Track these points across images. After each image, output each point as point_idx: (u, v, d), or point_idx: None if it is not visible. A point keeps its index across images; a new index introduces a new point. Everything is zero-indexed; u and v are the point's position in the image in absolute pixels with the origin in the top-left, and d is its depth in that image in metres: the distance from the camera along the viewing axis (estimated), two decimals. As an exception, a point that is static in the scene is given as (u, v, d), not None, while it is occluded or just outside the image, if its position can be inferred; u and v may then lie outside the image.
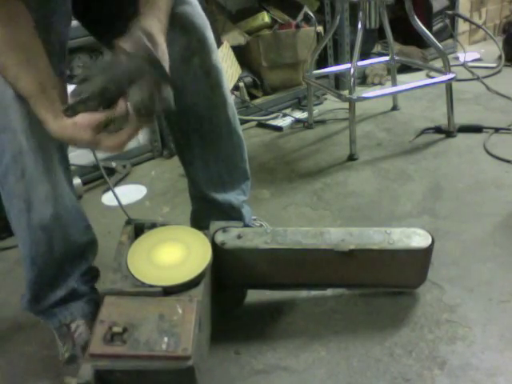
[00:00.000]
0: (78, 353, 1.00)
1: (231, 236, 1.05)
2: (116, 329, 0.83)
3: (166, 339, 0.82)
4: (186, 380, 0.82)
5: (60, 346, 1.06)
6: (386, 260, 1.05)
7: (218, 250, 1.02)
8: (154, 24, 0.87)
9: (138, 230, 1.03)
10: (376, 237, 1.05)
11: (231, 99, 1.17)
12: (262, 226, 1.33)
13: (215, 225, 1.07)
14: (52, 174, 0.93)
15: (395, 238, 1.05)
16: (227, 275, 1.08)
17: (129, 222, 1.04)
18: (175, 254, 0.97)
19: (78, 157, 1.75)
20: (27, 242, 0.97)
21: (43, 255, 0.98)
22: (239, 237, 1.05)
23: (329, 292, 1.18)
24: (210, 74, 1.10)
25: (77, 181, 1.71)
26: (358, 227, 1.09)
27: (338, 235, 1.06)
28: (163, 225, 1.04)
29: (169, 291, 0.90)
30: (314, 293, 1.19)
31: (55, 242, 0.98)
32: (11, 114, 0.87)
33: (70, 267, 1.03)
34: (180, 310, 0.86)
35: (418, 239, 1.05)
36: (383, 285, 1.13)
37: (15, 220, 0.96)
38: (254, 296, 1.18)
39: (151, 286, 0.90)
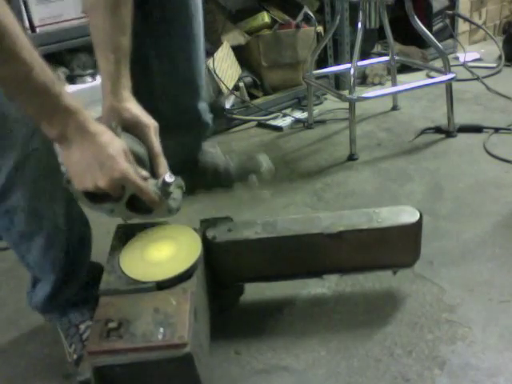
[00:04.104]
0: None
1: (221, 230, 1.06)
2: (111, 324, 0.83)
3: (161, 330, 0.82)
4: (185, 368, 0.82)
5: (66, 346, 1.06)
6: (377, 239, 1.05)
7: (209, 245, 1.03)
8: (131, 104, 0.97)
9: (129, 233, 1.04)
10: (364, 217, 1.06)
11: None
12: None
13: (205, 222, 1.08)
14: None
15: (383, 216, 1.05)
16: (222, 270, 1.08)
17: (120, 226, 1.07)
18: (166, 250, 0.98)
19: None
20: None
21: (61, 259, 1.00)
22: (229, 230, 1.06)
23: (329, 292, 1.18)
24: None
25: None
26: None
27: (327, 219, 1.06)
28: (153, 225, 1.05)
29: (162, 286, 0.91)
30: (313, 293, 1.19)
31: (70, 245, 1.01)
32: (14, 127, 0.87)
33: (80, 262, 1.05)
34: (174, 302, 0.87)
35: (406, 215, 1.06)
36: (377, 266, 1.12)
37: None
38: (253, 296, 1.18)
39: (144, 283, 0.91)
